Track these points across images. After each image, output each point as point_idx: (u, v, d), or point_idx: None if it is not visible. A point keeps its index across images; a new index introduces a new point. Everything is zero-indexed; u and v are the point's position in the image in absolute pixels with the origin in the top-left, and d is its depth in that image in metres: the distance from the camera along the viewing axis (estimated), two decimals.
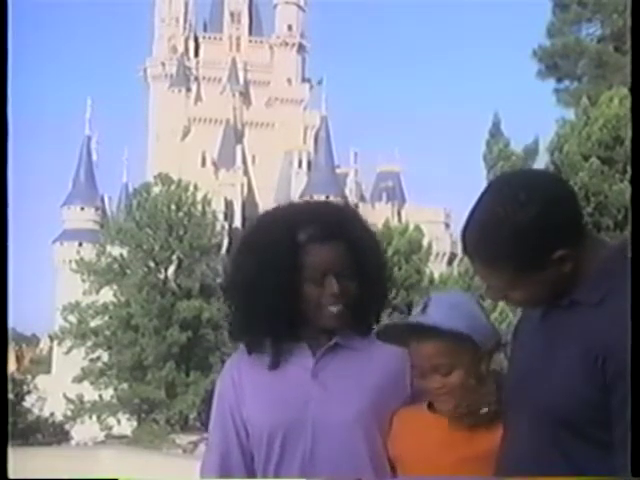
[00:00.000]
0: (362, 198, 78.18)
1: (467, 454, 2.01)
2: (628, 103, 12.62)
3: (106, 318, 45.67)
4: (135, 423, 44.07)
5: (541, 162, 15.96)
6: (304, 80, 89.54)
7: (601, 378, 1.67)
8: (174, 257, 46.11)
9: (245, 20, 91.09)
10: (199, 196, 47.78)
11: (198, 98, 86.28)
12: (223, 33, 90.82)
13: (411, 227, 37.73)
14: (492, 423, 1.98)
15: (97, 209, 74.80)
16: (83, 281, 46.62)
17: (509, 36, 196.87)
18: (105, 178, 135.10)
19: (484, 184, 1.86)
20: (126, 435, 41.82)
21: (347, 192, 75.38)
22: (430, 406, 2.07)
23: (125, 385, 44.55)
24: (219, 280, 47.05)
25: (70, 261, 57.28)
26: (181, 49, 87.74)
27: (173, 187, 47.17)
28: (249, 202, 78.15)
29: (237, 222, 72.49)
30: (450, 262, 59.77)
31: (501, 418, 1.94)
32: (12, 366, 64.00)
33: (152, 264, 46.07)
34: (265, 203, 73.39)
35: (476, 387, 2.01)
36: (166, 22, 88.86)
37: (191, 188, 47.54)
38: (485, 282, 1.84)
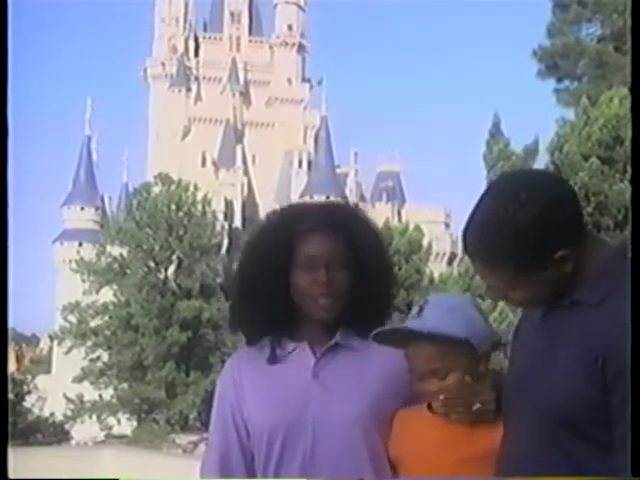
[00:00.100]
0: (362, 198, 78.12)
1: (467, 454, 2.01)
2: (628, 103, 12.62)
3: (106, 318, 45.67)
4: (135, 423, 44.07)
5: (541, 162, 15.97)
6: (304, 80, 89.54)
7: (601, 378, 1.67)
8: (174, 257, 46.11)
9: (245, 20, 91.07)
10: (199, 196, 47.78)
11: (198, 98, 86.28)
12: (223, 33, 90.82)
13: (411, 227, 37.72)
14: (492, 423, 1.97)
15: (97, 209, 74.78)
16: (83, 281, 46.61)
17: (509, 36, 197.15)
18: (105, 178, 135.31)
19: (484, 184, 1.87)
20: (126, 435, 41.81)
21: (347, 192, 75.33)
22: (430, 407, 2.07)
23: (125, 385, 44.55)
24: (219, 280, 47.19)
25: (70, 261, 57.24)
26: (181, 49, 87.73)
27: (173, 187, 47.17)
28: (249, 202, 78.16)
29: (237, 222, 72.50)
30: (450, 262, 59.78)
31: (501, 417, 1.94)
32: (12, 366, 64.00)
33: (152, 264, 46.07)
34: (265, 203, 73.49)
35: (473, 387, 2.00)
36: (166, 22, 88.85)
37: (191, 188, 47.54)
38: (485, 282, 1.84)
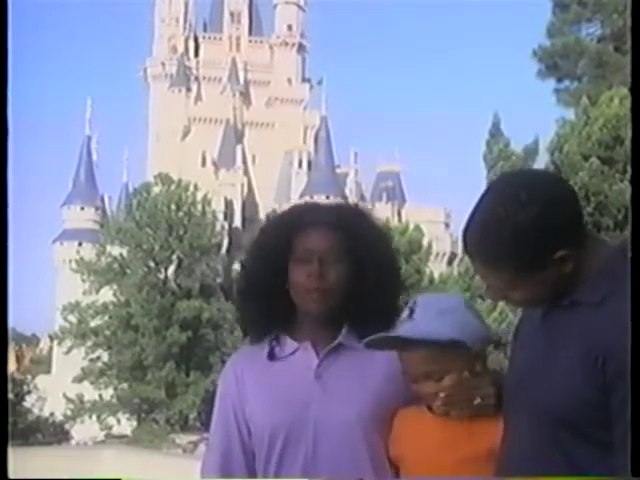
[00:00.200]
0: (362, 198, 78.05)
1: (467, 454, 2.01)
2: (628, 103, 12.62)
3: (106, 318, 45.67)
4: (135, 423, 44.07)
5: (541, 162, 15.97)
6: (304, 80, 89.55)
7: (601, 378, 1.67)
8: (174, 257, 46.11)
9: (245, 20, 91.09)
10: (199, 196, 47.77)
11: (198, 98, 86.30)
12: (223, 33, 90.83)
13: (411, 227, 37.72)
14: (492, 422, 1.97)
15: (97, 209, 74.79)
16: (83, 281, 46.61)
17: (509, 36, 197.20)
18: (105, 178, 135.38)
19: (484, 184, 1.88)
20: (126, 435, 41.82)
21: (347, 192, 75.34)
22: (430, 407, 2.07)
23: (125, 385, 44.55)
24: (219, 280, 47.20)
25: (70, 261, 57.24)
26: (181, 49, 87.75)
27: (173, 187, 47.16)
28: (249, 202, 78.18)
29: (237, 222, 72.52)
30: (450, 262, 59.78)
31: (501, 415, 1.93)
32: (12, 366, 64.00)
33: (152, 264, 46.07)
34: (265, 203, 73.58)
35: (472, 382, 2.00)
36: (166, 22, 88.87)
37: (191, 188, 47.54)
38: (485, 282, 1.84)
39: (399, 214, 73.54)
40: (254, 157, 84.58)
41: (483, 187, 1.84)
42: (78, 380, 45.59)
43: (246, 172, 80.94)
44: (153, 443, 35.27)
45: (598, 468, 1.69)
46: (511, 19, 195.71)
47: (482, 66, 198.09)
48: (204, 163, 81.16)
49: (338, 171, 79.26)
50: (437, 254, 61.81)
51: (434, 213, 74.70)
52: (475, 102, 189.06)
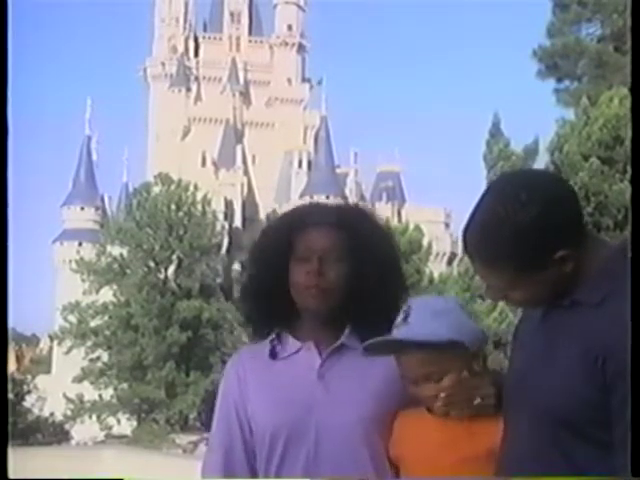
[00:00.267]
0: (362, 198, 78.03)
1: (467, 454, 2.01)
2: (628, 103, 12.62)
3: (106, 318, 45.67)
4: (135, 423, 44.07)
5: (541, 162, 15.97)
6: (304, 80, 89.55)
7: (601, 378, 1.67)
8: (174, 257, 46.11)
9: (245, 20, 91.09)
10: (199, 196, 47.78)
11: (198, 98, 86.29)
12: (223, 33, 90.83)
13: (411, 227, 37.69)
14: (492, 422, 1.97)
15: (97, 209, 74.77)
16: (83, 281, 46.61)
17: (509, 36, 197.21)
18: (105, 178, 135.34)
19: (484, 184, 1.88)
20: (126, 435, 41.83)
21: (347, 192, 75.32)
22: (429, 408, 2.07)
23: (125, 385, 44.55)
24: (219, 280, 47.21)
25: (70, 261, 57.24)
26: (181, 49, 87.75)
27: (173, 187, 47.16)
28: (249, 202, 78.18)
29: (237, 222, 72.50)
30: (450, 262, 59.79)
31: (500, 416, 1.93)
32: (12, 366, 64.00)
33: (152, 264, 46.07)
34: (265, 203, 73.55)
35: (472, 382, 2.00)
36: (166, 22, 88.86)
37: (191, 188, 47.54)
38: (485, 282, 1.84)
39: (399, 214, 73.53)
40: (254, 157, 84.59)
41: (483, 187, 1.84)
42: (78, 380, 45.59)
43: (246, 172, 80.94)
44: (153, 443, 35.28)
45: (598, 468, 1.69)
46: (511, 19, 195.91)
47: (482, 66, 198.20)
48: (204, 163, 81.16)
49: (338, 171, 79.25)
50: (437, 254, 61.80)
51: (434, 213, 74.70)
52: (475, 102, 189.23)
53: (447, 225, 75.42)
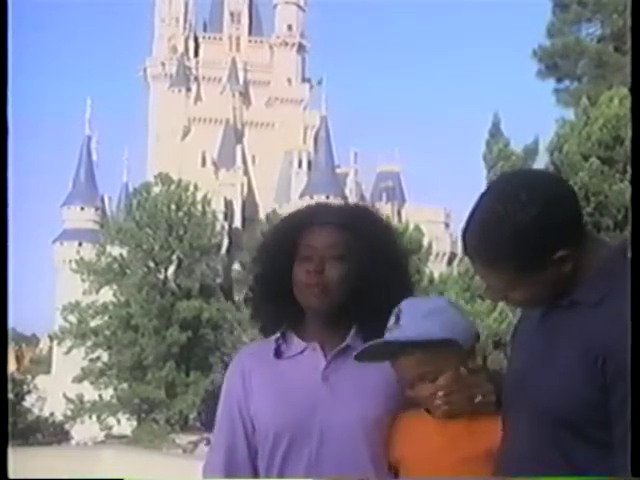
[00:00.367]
0: (362, 198, 78.00)
1: (467, 454, 2.00)
2: (628, 103, 12.62)
3: (106, 318, 45.69)
4: (135, 423, 44.09)
5: (541, 162, 15.97)
6: (304, 80, 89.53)
7: (601, 378, 1.67)
8: (174, 257, 46.13)
9: (245, 20, 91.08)
10: (199, 196, 47.79)
11: (198, 98, 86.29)
12: (223, 33, 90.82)
13: (411, 227, 37.69)
14: (491, 422, 1.97)
15: (97, 209, 74.78)
16: (83, 281, 46.62)
17: (509, 36, 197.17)
18: (105, 178, 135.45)
19: (484, 184, 1.87)
20: (126, 435, 41.84)
21: (347, 192, 75.32)
22: (429, 410, 2.07)
23: (125, 385, 44.57)
24: (219, 280, 47.21)
25: (70, 261, 57.26)
26: (181, 49, 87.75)
27: (173, 187, 47.18)
28: (249, 202, 78.16)
29: (237, 222, 72.50)
30: (450, 262, 59.74)
31: (499, 414, 1.93)
32: (12, 366, 63.99)
33: (152, 264, 46.09)
34: (265, 203, 73.49)
35: (467, 382, 2.00)
36: (166, 22, 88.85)
37: (191, 188, 47.56)
38: (485, 282, 1.84)
39: (399, 214, 73.51)
40: (254, 157, 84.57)
41: (483, 187, 1.84)
42: (78, 380, 45.60)
43: (246, 172, 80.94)
44: (153, 443, 35.28)
45: (598, 468, 1.69)
46: (511, 19, 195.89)
47: (482, 66, 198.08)
48: (204, 163, 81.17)
49: (338, 171, 79.23)
50: (437, 254, 61.80)
51: (434, 213, 74.70)
52: (475, 102, 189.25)
53: (447, 225, 75.43)
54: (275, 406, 2.13)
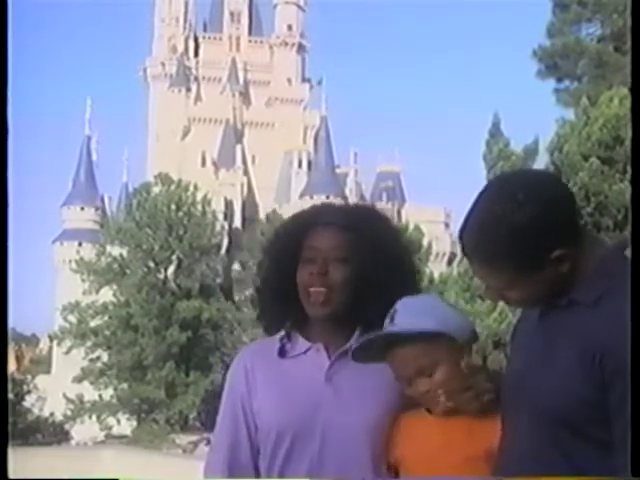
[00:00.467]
0: (362, 198, 78.01)
1: (467, 454, 2.01)
2: (628, 103, 12.62)
3: (106, 318, 45.70)
4: (135, 423, 44.10)
5: (541, 162, 15.95)
6: (304, 80, 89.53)
7: (599, 377, 1.67)
8: (174, 257, 46.14)
9: (245, 20, 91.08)
10: (199, 196, 47.81)
11: (198, 98, 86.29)
12: (223, 33, 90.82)
13: (411, 227, 37.69)
14: (491, 422, 1.97)
15: (97, 209, 74.80)
16: (83, 281, 46.64)
17: (509, 36, 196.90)
18: (105, 178, 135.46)
19: (484, 184, 1.86)
20: (126, 435, 41.85)
21: (347, 192, 75.33)
22: (429, 409, 2.07)
23: (125, 385, 44.58)
24: (219, 280, 47.22)
25: (70, 261, 57.27)
26: (181, 49, 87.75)
27: (173, 187, 47.20)
28: (249, 202, 78.17)
29: (237, 222, 72.51)
30: (450, 262, 59.73)
31: (499, 413, 1.94)
32: (12, 366, 63.99)
33: (152, 264, 46.10)
34: (265, 203, 73.51)
35: (464, 378, 2.00)
36: (166, 22, 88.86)
37: (191, 188, 47.57)
38: (483, 282, 1.85)
39: (399, 214, 73.49)
40: (254, 157, 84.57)
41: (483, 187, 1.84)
42: (78, 380, 45.62)
43: (246, 172, 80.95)
44: (153, 443, 35.30)
45: (598, 468, 1.69)
46: (511, 19, 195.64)
47: (482, 66, 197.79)
48: (204, 163, 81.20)
49: (338, 171, 79.22)
50: (437, 254, 61.83)
51: (434, 213, 74.72)
52: (475, 102, 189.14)
53: (447, 225, 75.42)
54: (278, 405, 2.13)
